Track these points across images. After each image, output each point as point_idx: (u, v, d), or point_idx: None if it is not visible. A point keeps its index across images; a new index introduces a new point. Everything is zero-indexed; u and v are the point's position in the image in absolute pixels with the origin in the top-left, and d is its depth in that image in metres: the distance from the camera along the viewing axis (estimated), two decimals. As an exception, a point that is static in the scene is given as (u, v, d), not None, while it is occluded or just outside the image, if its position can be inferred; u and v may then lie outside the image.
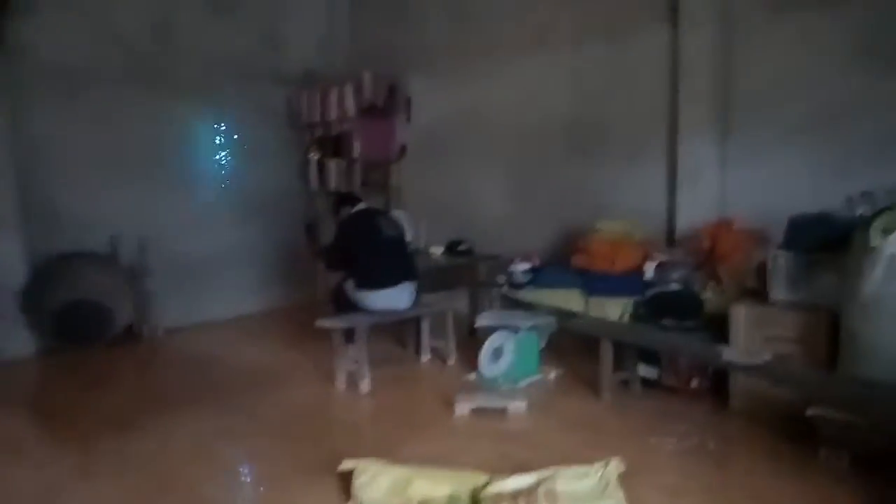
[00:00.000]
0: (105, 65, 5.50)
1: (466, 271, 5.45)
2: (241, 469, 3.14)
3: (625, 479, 2.65)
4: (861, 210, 2.99)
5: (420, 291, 4.62)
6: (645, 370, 4.00)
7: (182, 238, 5.98)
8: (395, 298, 4.37)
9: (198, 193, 6.19)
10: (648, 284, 4.31)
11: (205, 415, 3.75)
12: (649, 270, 4.35)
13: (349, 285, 4.39)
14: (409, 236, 4.94)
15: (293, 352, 5.06)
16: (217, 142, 6.34)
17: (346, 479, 2.69)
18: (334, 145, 6.67)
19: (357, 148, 6.43)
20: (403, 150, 6.70)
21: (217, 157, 6.36)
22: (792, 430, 3.18)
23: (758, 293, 3.64)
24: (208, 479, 2.96)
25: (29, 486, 2.92)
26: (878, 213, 2.90)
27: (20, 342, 5.06)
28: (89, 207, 5.43)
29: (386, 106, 6.44)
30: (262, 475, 3.03)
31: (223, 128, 6.34)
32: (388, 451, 3.00)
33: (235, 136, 6.42)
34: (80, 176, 5.40)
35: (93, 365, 4.96)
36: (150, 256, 5.72)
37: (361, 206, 4.64)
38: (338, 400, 4.08)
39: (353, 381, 4.15)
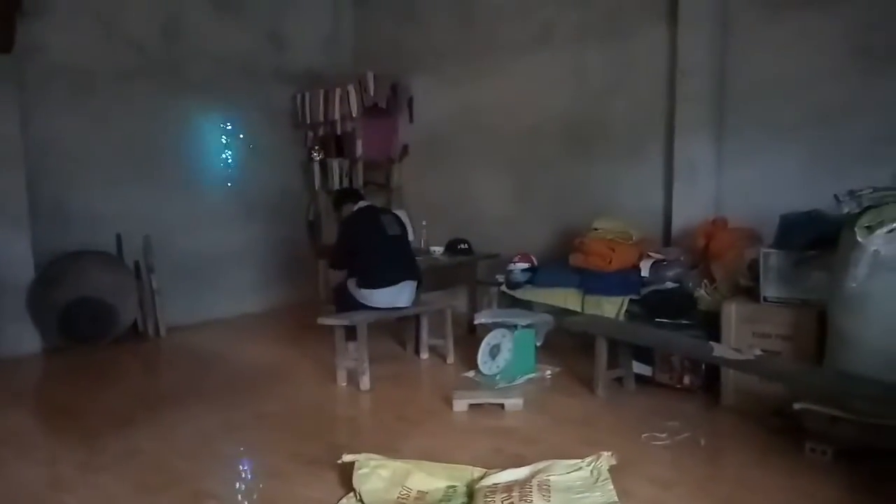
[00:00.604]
0: (113, 65, 5.60)
1: (466, 270, 5.53)
2: (243, 463, 3.22)
3: (617, 473, 2.72)
4: (847, 208, 3.05)
5: (420, 290, 4.68)
6: (639, 367, 4.07)
7: (186, 237, 6.07)
8: (396, 296, 4.43)
9: (202, 192, 6.27)
10: (644, 283, 4.39)
11: (208, 411, 3.83)
12: (645, 269, 4.42)
13: (351, 283, 4.46)
14: (410, 234, 4.99)
15: (295, 350, 5.15)
16: (221, 141, 6.42)
17: (347, 471, 2.76)
18: (337, 145, 6.74)
19: (359, 147, 6.50)
20: (406, 149, 6.77)
21: (221, 156, 6.44)
22: (780, 425, 3.25)
23: (750, 291, 3.70)
24: (212, 473, 3.04)
25: (35, 481, 3.00)
26: (863, 211, 2.97)
27: (27, 339, 5.15)
28: (95, 206, 5.52)
29: (389, 106, 6.50)
30: (264, 469, 3.11)
31: (228, 127, 6.43)
32: (388, 446, 3.07)
33: (240, 136, 6.50)
34: (86, 175, 5.50)
35: (98, 362, 5.05)
36: (154, 255, 5.81)
37: (363, 203, 4.66)
38: (338, 396, 4.16)
39: (353, 378, 4.23)
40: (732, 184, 4.60)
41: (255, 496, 2.85)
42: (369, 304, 4.38)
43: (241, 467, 3.18)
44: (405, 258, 4.55)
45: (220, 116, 6.37)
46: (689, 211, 4.67)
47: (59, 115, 5.34)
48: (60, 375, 4.88)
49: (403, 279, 4.43)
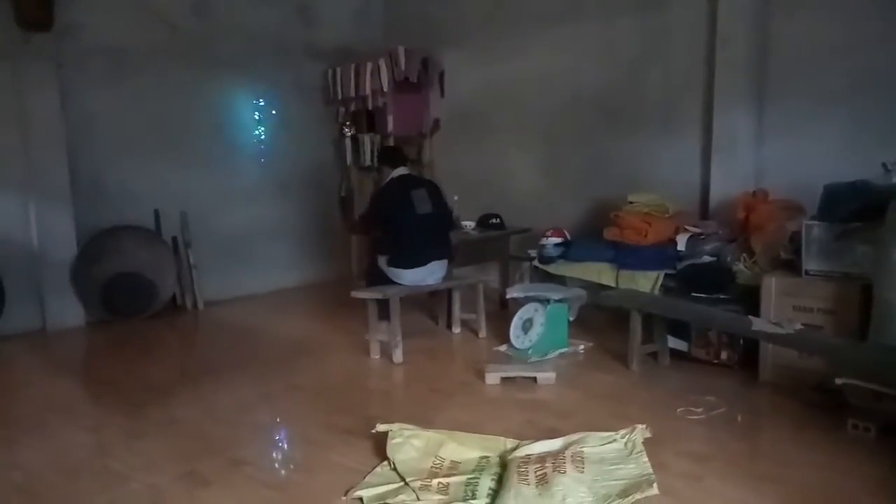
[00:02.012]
0: (147, 43, 5.65)
1: (497, 245, 5.49)
2: (279, 432, 3.28)
3: (651, 447, 2.70)
4: (896, 177, 2.94)
5: (452, 265, 4.66)
6: (674, 342, 4.01)
7: (221, 213, 6.16)
8: (427, 275, 4.43)
9: (235, 169, 6.34)
10: (681, 257, 4.31)
11: (245, 382, 3.91)
12: (681, 243, 4.33)
13: (382, 260, 4.47)
14: (448, 204, 4.84)
15: (328, 324, 5.21)
16: (254, 117, 6.47)
17: (380, 441, 2.79)
18: (368, 120, 6.73)
19: (390, 122, 6.47)
20: (437, 124, 6.73)
21: (254, 132, 6.49)
22: (821, 401, 3.19)
23: (791, 264, 3.61)
24: (248, 441, 3.11)
25: (83, 446, 3.12)
26: (914, 181, 2.85)
27: (71, 313, 5.31)
28: (133, 182, 5.63)
29: (419, 80, 6.45)
30: (299, 438, 3.16)
31: (260, 103, 6.47)
32: (420, 418, 3.09)
33: (272, 112, 6.54)
34: (124, 152, 5.59)
35: (139, 335, 5.19)
36: (190, 231, 5.91)
37: (402, 170, 4.56)
38: (371, 369, 4.20)
39: (385, 352, 4.26)
40: (773, 154, 4.46)
41: (291, 463, 2.91)
42: (400, 282, 4.40)
43: (276, 436, 3.25)
44: (436, 237, 4.49)
45: (252, 93, 6.40)
46: (728, 183, 4.54)
47: (96, 93, 5.43)
48: (103, 347, 5.03)
49: (432, 259, 4.42)
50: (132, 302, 5.50)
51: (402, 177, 4.57)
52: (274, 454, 3.05)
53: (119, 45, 5.49)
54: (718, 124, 4.66)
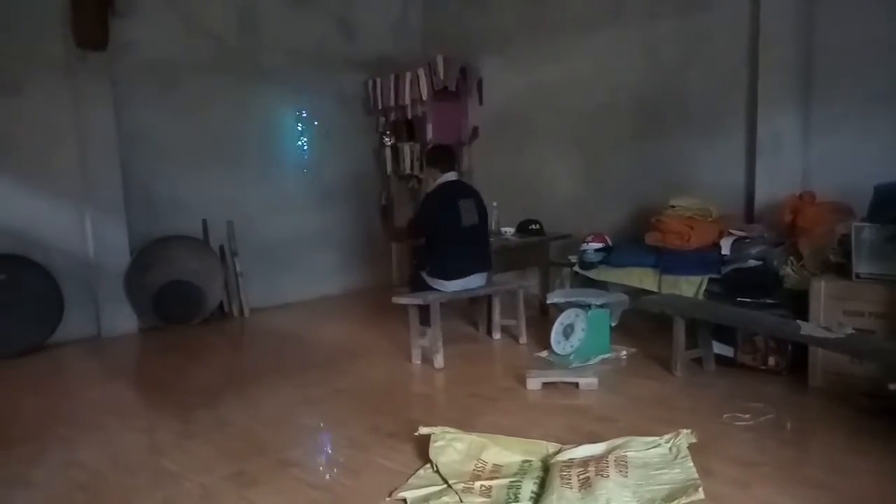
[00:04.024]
0: (195, 58, 5.86)
1: (537, 251, 5.49)
2: (324, 435, 3.35)
3: (697, 452, 2.66)
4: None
5: (490, 273, 4.66)
6: (720, 348, 3.94)
7: (265, 222, 6.32)
8: (467, 285, 4.45)
9: (279, 179, 6.50)
10: (725, 261, 4.24)
11: (289, 386, 4.00)
12: (726, 247, 4.27)
13: (424, 272, 4.48)
14: (490, 215, 4.83)
15: (370, 330, 5.28)
16: (297, 128, 6.62)
17: (423, 444, 2.83)
18: (408, 129, 6.82)
19: (430, 131, 6.54)
20: (476, 131, 6.78)
21: (297, 143, 6.64)
22: (873, 407, 3.10)
23: (840, 267, 3.52)
24: (295, 443, 3.18)
25: (137, 446, 3.24)
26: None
27: (125, 319, 5.51)
28: (182, 193, 5.82)
29: (458, 88, 6.51)
30: (343, 440, 3.21)
31: (303, 115, 6.62)
32: (462, 422, 3.11)
33: (314, 123, 6.68)
34: (173, 164, 5.79)
35: (188, 340, 5.35)
36: (236, 240, 6.07)
37: (450, 176, 4.52)
38: (413, 374, 4.24)
39: (427, 357, 4.30)
40: (820, 156, 4.37)
41: (335, 465, 2.96)
42: (446, 291, 4.40)
43: (321, 438, 3.31)
44: (478, 248, 4.49)
45: (295, 104, 6.56)
46: (774, 185, 4.47)
47: (148, 108, 5.64)
48: (155, 353, 5.21)
49: (474, 272, 4.45)
50: (182, 309, 5.68)
51: (451, 183, 4.51)
52: (319, 456, 3.11)
53: (168, 60, 5.70)
54: (763, 126, 4.59)
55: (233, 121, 6.11)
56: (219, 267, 5.94)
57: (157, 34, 5.62)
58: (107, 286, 5.39)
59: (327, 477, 2.84)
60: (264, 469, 2.83)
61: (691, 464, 2.56)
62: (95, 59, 5.20)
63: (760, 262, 4.09)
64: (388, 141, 6.88)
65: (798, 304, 3.60)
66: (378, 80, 6.81)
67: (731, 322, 3.74)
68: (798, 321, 3.38)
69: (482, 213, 4.53)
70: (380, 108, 6.88)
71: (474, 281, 4.49)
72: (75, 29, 5.06)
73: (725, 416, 3.17)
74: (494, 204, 5.61)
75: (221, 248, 6.08)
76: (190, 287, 5.78)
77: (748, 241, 4.22)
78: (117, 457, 3.08)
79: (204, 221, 5.92)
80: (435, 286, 4.43)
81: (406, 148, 6.75)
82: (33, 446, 3.22)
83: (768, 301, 3.85)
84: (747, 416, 3.15)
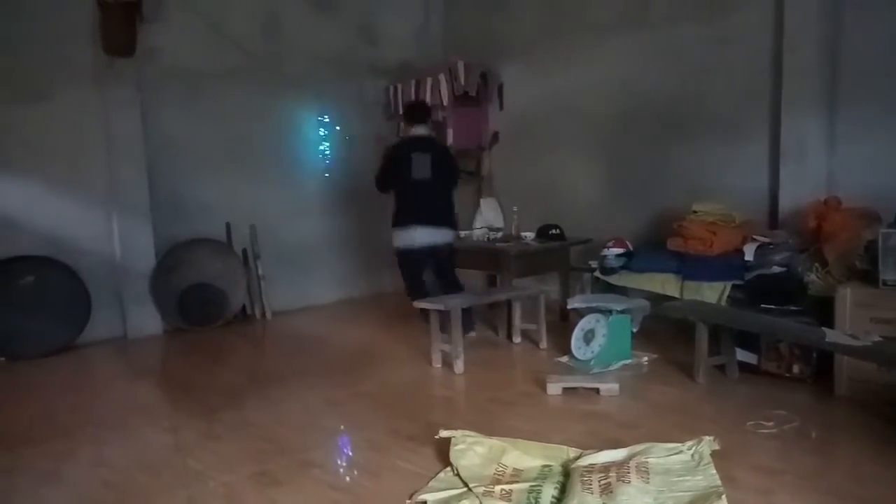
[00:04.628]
0: (219, 65, 5.94)
1: (558, 256, 5.47)
2: (345, 437, 3.38)
3: (719, 460, 2.64)
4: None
5: (453, 229, 4.96)
6: (743, 355, 3.90)
7: (287, 226, 6.38)
8: (412, 238, 4.72)
9: (301, 183, 6.56)
10: (748, 267, 4.21)
11: (311, 388, 4.04)
12: (749, 253, 4.23)
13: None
14: (509, 219, 5.10)
15: (390, 334, 5.31)
16: (319, 133, 6.68)
17: (444, 447, 2.84)
18: (428, 134, 6.84)
19: (450, 136, 6.55)
20: (496, 136, 6.78)
21: (319, 148, 6.70)
22: (902, 417, 3.05)
23: (867, 274, 3.47)
24: (316, 444, 3.22)
25: (162, 445, 3.29)
26: None
27: (150, 321, 5.59)
28: (206, 197, 5.90)
29: (479, 93, 6.53)
30: (364, 442, 3.24)
31: (325, 120, 6.68)
32: (482, 426, 3.11)
33: (336, 128, 6.74)
34: (198, 168, 5.87)
35: (212, 342, 5.42)
36: (259, 243, 6.15)
37: (418, 130, 4.86)
38: (433, 378, 4.26)
39: (447, 361, 4.32)
40: (846, 161, 4.31)
41: (357, 467, 2.99)
42: (397, 245, 4.76)
43: (342, 440, 3.34)
44: (428, 202, 4.74)
45: (317, 110, 6.63)
46: (798, 191, 4.42)
47: (173, 113, 5.73)
48: (179, 354, 5.29)
49: (422, 224, 4.69)
50: (205, 311, 5.76)
51: (411, 138, 4.81)
52: (341, 458, 3.14)
53: (193, 67, 5.79)
54: (787, 131, 4.54)
55: (256, 126, 6.18)
56: (241, 270, 6.01)
57: (182, 41, 5.72)
58: (132, 288, 5.48)
59: (348, 478, 2.87)
60: (286, 469, 2.86)
61: (714, 471, 2.53)
62: (123, 66, 5.30)
63: (785, 269, 4.05)
64: (408, 146, 6.90)
65: (823, 312, 3.56)
66: (399, 86, 6.84)
67: (755, 329, 3.70)
68: (823, 328, 3.34)
69: (439, 168, 4.75)
70: (401, 112, 6.90)
71: (424, 235, 4.69)
72: (103, 36, 5.16)
73: (749, 423, 3.14)
74: (515, 208, 5.63)
75: (244, 251, 6.16)
76: (213, 290, 5.86)
77: (772, 246, 4.18)
78: (144, 456, 3.14)
79: (227, 225, 6.00)
80: (393, 240, 4.73)
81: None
82: (63, 444, 3.29)
83: (793, 308, 3.81)
84: (771, 423, 3.12)
